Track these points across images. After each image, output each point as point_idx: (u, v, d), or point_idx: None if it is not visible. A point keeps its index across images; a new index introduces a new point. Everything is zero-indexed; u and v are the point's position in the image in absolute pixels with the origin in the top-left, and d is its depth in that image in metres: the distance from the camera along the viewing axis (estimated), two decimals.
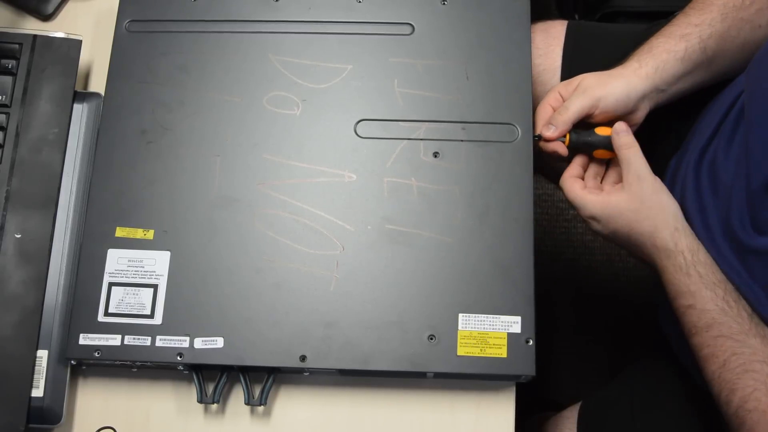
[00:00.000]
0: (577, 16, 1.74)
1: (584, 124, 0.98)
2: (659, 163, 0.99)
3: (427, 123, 0.97)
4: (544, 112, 0.98)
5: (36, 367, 0.90)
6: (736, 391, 0.83)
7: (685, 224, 0.91)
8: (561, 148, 0.97)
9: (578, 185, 0.97)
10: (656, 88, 0.96)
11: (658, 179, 0.92)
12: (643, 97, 0.96)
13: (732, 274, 0.87)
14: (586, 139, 0.96)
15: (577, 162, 0.99)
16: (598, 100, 0.95)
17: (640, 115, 0.97)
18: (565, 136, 0.96)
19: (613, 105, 0.95)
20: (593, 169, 0.99)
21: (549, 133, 0.96)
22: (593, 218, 0.95)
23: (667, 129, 1.06)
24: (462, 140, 0.96)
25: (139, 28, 1.01)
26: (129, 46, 1.00)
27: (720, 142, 0.94)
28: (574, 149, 0.97)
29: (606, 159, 0.98)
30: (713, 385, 0.86)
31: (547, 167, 1.25)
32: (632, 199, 0.92)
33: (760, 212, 0.85)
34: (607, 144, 0.95)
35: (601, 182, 0.99)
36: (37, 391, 0.90)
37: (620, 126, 0.94)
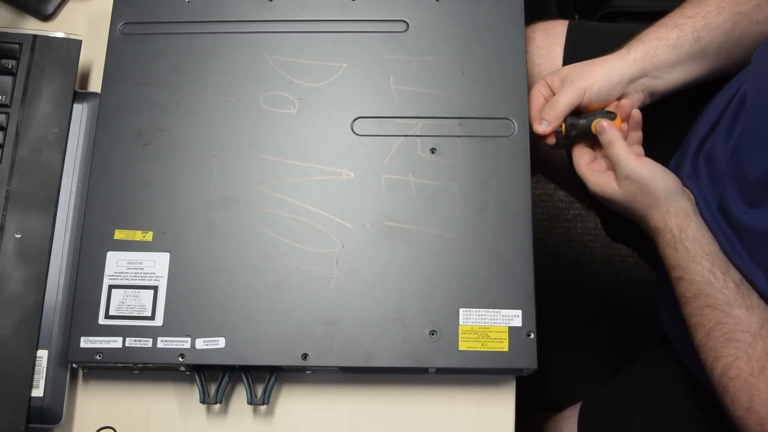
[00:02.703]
0: (577, 16, 1.74)
1: (575, 111, 0.98)
2: (660, 161, 0.99)
3: (423, 119, 0.97)
4: (535, 101, 0.99)
5: (36, 367, 0.90)
6: (719, 359, 0.85)
7: (679, 204, 0.92)
8: (550, 139, 0.98)
9: (584, 159, 0.98)
10: (646, 72, 0.97)
11: (647, 165, 0.92)
12: (630, 81, 0.97)
13: (738, 261, 0.88)
14: (581, 123, 0.97)
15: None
16: (583, 91, 0.96)
17: (631, 99, 0.98)
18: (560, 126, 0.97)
19: (596, 94, 0.97)
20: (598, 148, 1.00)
21: (542, 128, 0.97)
22: (595, 195, 0.97)
23: (668, 128, 1.07)
24: (459, 136, 0.96)
25: (133, 30, 1.01)
26: (123, 48, 1.00)
27: (719, 135, 0.94)
28: (572, 137, 0.98)
29: None
30: (700, 353, 0.88)
31: (546, 166, 1.25)
32: (624, 194, 0.94)
33: (758, 199, 0.86)
34: None
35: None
36: (37, 391, 0.90)
37: (600, 124, 0.95)
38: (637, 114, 0.97)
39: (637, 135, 0.98)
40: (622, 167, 0.92)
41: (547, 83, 1.00)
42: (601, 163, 0.98)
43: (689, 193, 0.94)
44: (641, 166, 0.92)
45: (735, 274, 0.87)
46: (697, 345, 0.88)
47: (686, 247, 0.89)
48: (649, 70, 0.97)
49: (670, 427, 1.05)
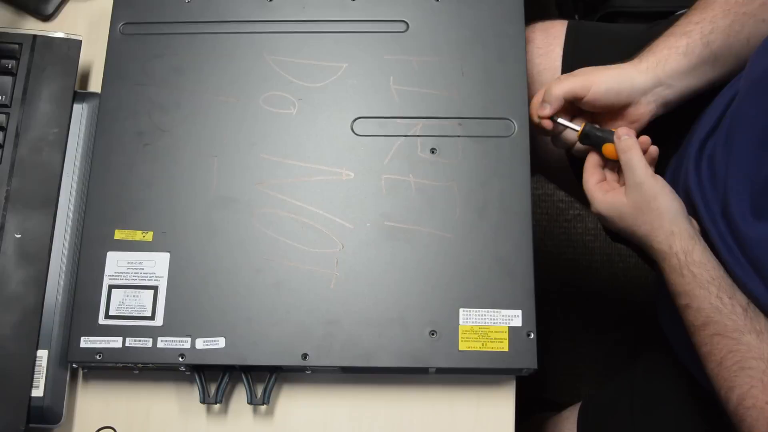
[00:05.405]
0: (576, 16, 1.74)
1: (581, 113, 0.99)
2: (660, 161, 0.99)
3: (423, 119, 0.97)
4: (539, 95, 0.99)
5: (36, 367, 0.90)
6: (734, 389, 0.83)
7: (683, 225, 0.90)
8: (546, 122, 0.98)
9: (594, 179, 0.98)
10: (659, 81, 0.96)
11: (659, 181, 0.91)
12: (644, 91, 0.97)
13: (738, 271, 0.88)
14: (597, 133, 0.96)
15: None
16: (590, 83, 0.96)
17: (643, 110, 0.97)
18: (580, 126, 0.97)
19: (603, 92, 0.96)
20: (610, 166, 1.00)
21: (544, 111, 0.97)
22: (599, 215, 0.96)
23: (668, 129, 1.06)
24: (459, 136, 0.96)
25: (133, 30, 1.01)
26: (123, 48, 1.00)
27: (719, 138, 0.94)
28: (585, 139, 0.97)
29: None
30: (714, 383, 0.86)
31: (546, 166, 1.25)
32: (631, 204, 0.92)
33: (761, 203, 0.86)
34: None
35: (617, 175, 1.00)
36: (37, 391, 0.90)
37: (622, 130, 0.94)
38: (654, 150, 0.96)
39: (651, 157, 0.97)
40: (636, 174, 0.91)
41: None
42: (610, 184, 0.98)
43: (692, 219, 0.93)
44: (654, 177, 0.91)
45: (741, 298, 0.86)
46: (710, 374, 0.87)
47: (692, 273, 0.88)
48: (663, 79, 0.96)
49: (669, 427, 1.05)
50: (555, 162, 1.18)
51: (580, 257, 1.88)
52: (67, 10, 1.09)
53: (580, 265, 1.88)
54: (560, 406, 1.30)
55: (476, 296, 0.90)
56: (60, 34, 1.02)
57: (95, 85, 1.05)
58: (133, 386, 0.94)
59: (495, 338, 0.89)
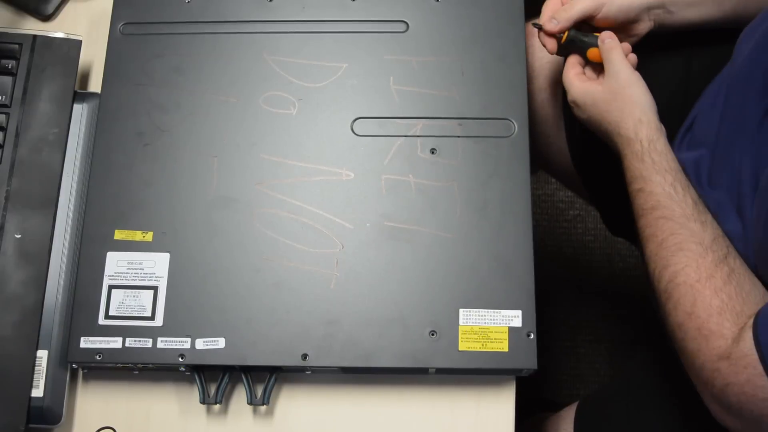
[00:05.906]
0: None
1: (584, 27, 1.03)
2: None
3: (423, 120, 0.97)
4: (552, 4, 1.03)
5: (36, 367, 0.90)
6: (668, 267, 0.87)
7: (652, 117, 0.95)
8: (551, 45, 1.02)
9: (574, 71, 1.02)
10: (663, 3, 1.01)
11: (635, 74, 0.97)
12: (647, 9, 1.01)
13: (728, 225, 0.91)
14: (582, 38, 1.00)
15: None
16: (602, 4, 1.00)
17: (641, 27, 1.02)
18: (563, 33, 1.01)
19: (615, 11, 1.00)
20: (592, 66, 1.04)
21: (551, 26, 1.01)
22: (574, 103, 1.01)
23: (668, 128, 1.07)
24: (459, 136, 0.96)
25: (133, 30, 1.01)
26: (124, 48, 1.00)
27: (704, 106, 0.97)
28: (570, 44, 1.01)
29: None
30: (649, 263, 0.90)
31: (548, 163, 1.25)
32: (606, 90, 0.97)
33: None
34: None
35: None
36: (37, 391, 0.90)
37: (605, 34, 0.99)
38: (633, 57, 1.00)
39: (631, 61, 1.00)
40: (615, 64, 0.96)
41: None
42: (588, 76, 1.02)
43: (662, 125, 0.97)
44: (632, 70, 0.97)
45: (693, 193, 0.90)
46: (648, 255, 0.91)
47: (652, 159, 0.92)
48: (667, 2, 1.01)
49: (665, 425, 1.05)
50: (556, 158, 1.19)
51: (580, 257, 1.88)
52: (67, 10, 1.09)
53: (580, 265, 1.88)
54: (560, 406, 1.30)
55: (476, 296, 0.90)
56: (60, 34, 1.02)
57: (95, 85, 1.05)
58: (133, 386, 0.94)
59: (495, 338, 0.89)
